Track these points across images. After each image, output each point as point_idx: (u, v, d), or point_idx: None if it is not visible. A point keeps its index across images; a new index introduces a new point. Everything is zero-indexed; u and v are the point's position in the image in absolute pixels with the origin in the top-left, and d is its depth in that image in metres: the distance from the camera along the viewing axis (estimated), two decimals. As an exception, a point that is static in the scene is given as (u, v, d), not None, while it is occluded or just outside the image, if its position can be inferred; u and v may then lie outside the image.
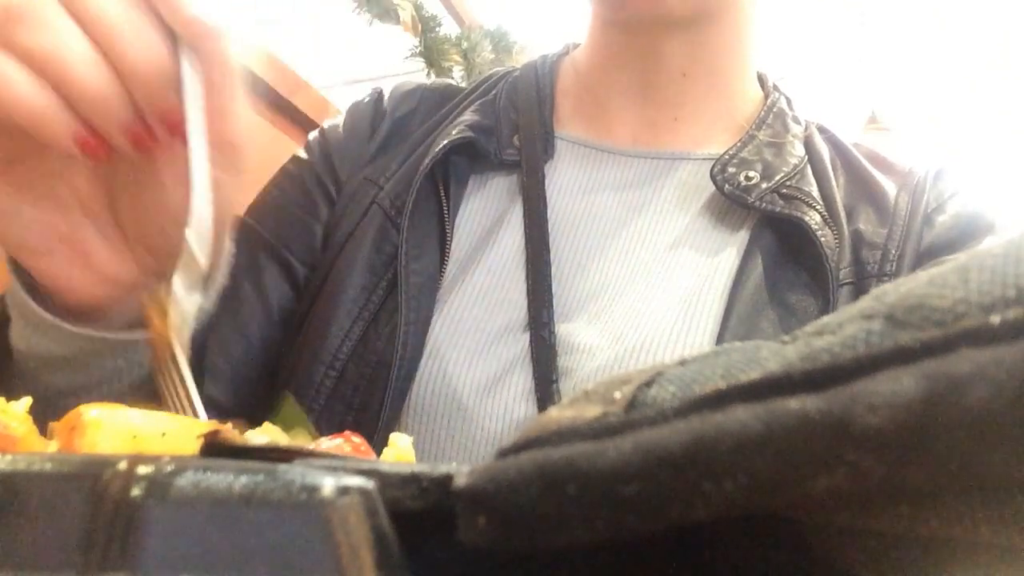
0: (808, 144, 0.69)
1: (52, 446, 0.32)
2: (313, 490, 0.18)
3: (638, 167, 0.70)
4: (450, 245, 0.65)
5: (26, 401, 0.33)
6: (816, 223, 0.61)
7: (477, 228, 0.67)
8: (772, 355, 0.20)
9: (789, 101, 0.74)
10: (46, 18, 0.35)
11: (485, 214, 0.68)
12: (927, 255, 0.63)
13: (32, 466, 0.18)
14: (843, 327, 0.19)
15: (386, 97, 0.76)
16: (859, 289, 0.61)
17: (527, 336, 0.61)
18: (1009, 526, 0.16)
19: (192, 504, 0.17)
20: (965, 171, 0.70)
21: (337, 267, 0.65)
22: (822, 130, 0.72)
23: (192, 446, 0.30)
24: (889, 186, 0.67)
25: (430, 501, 0.20)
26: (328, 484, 0.18)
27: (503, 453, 0.21)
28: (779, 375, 0.18)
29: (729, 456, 0.17)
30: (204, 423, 0.34)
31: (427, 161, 0.65)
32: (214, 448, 0.25)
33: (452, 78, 1.53)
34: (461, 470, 0.20)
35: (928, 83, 2.97)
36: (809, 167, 0.67)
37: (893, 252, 0.62)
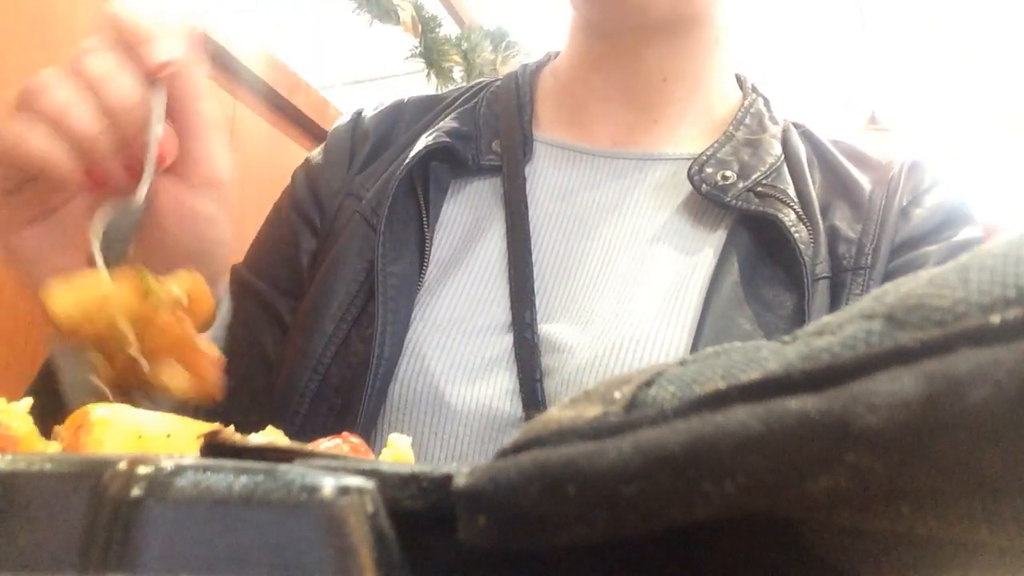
0: (785, 142, 0.70)
1: (53, 446, 0.32)
2: (313, 490, 0.18)
3: (617, 168, 0.71)
4: (429, 248, 0.67)
5: (27, 401, 0.33)
6: (791, 220, 0.63)
7: (458, 231, 0.69)
8: (772, 355, 0.20)
9: (767, 102, 0.75)
10: (56, 84, 0.45)
11: (466, 218, 0.69)
12: (904, 247, 0.64)
13: (32, 466, 0.18)
14: (843, 327, 0.19)
15: (367, 116, 0.78)
16: (835, 283, 0.62)
17: (510, 336, 0.62)
18: (1009, 526, 0.16)
19: (192, 504, 0.17)
20: (940, 164, 0.71)
21: (322, 277, 0.67)
22: (799, 127, 0.74)
23: (196, 447, 0.30)
24: (865, 182, 0.68)
25: (430, 501, 0.20)
26: (328, 484, 0.18)
27: (503, 453, 0.21)
28: (779, 375, 0.18)
29: (729, 456, 0.17)
30: (208, 424, 0.34)
31: (404, 166, 0.67)
32: (214, 448, 0.25)
33: (452, 78, 1.53)
34: (461, 470, 0.20)
35: (928, 83, 2.97)
36: (785, 166, 0.68)
37: (868, 246, 0.64)
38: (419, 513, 0.20)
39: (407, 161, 0.67)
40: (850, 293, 0.63)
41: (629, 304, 0.62)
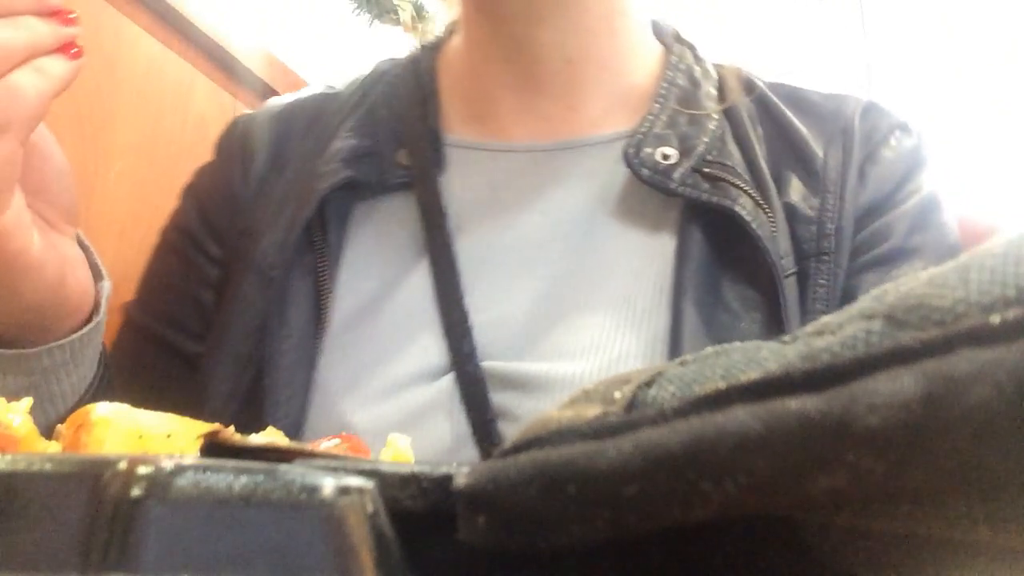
0: (724, 99, 0.63)
1: (53, 446, 0.32)
2: (313, 490, 0.18)
3: (542, 163, 0.63)
4: (333, 295, 0.59)
5: (27, 401, 0.33)
6: (747, 210, 0.55)
7: (370, 268, 0.60)
8: (772, 355, 0.20)
9: (694, 50, 0.67)
10: None
11: (378, 248, 0.61)
12: (866, 216, 0.59)
13: (32, 466, 0.18)
14: (843, 327, 0.19)
15: (255, 124, 0.68)
16: (800, 274, 0.56)
17: (446, 379, 0.55)
18: (1009, 526, 0.16)
19: (192, 504, 0.17)
20: (896, 104, 0.64)
21: (217, 332, 0.60)
22: (739, 74, 0.66)
23: (196, 447, 0.30)
24: (815, 142, 0.61)
25: (430, 501, 0.20)
26: (328, 484, 0.18)
27: (503, 453, 0.21)
28: (779, 375, 0.18)
29: (729, 456, 0.17)
30: (208, 424, 0.34)
31: (298, 221, 0.59)
32: (214, 448, 0.25)
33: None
34: (461, 470, 0.20)
35: (929, 83, 2.97)
36: (728, 130, 0.61)
37: (829, 226, 0.57)
38: (419, 513, 0.20)
39: (304, 212, 0.58)
40: (815, 284, 0.56)
41: (585, 330, 0.55)
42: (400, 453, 0.38)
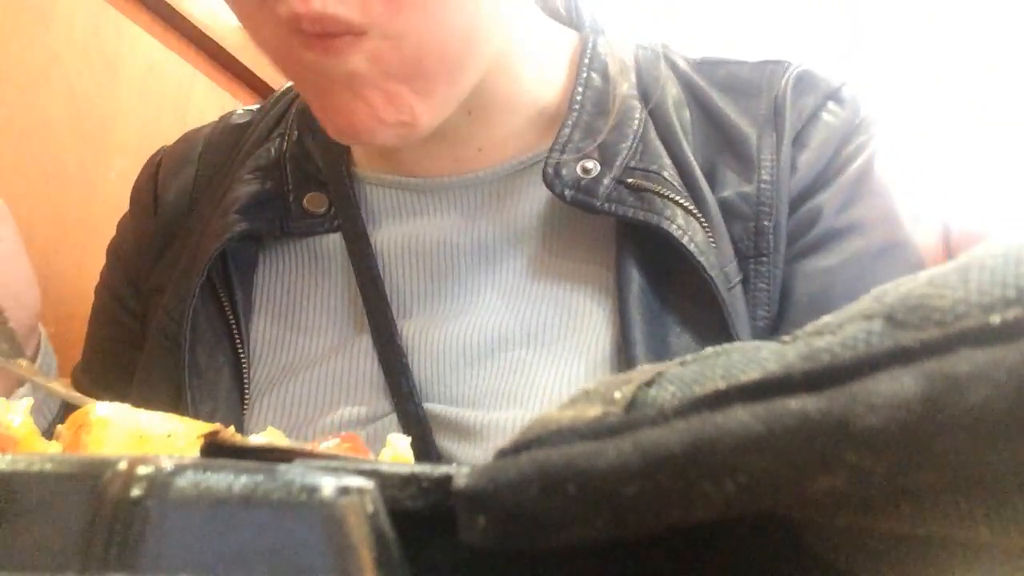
0: (644, 86, 0.58)
1: (53, 446, 0.32)
2: (313, 490, 0.18)
3: (460, 199, 0.59)
4: (252, 353, 0.57)
5: (27, 401, 0.33)
6: (678, 224, 0.52)
7: (287, 320, 0.58)
8: (772, 355, 0.20)
9: (607, 37, 0.60)
10: None
11: (293, 300, 0.58)
12: (797, 201, 0.55)
13: (32, 466, 0.18)
14: (843, 327, 0.19)
15: (164, 166, 0.66)
16: (744, 280, 0.53)
17: (387, 420, 0.53)
18: (1009, 527, 0.16)
19: (192, 504, 0.17)
20: (828, 69, 0.59)
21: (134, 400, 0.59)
22: (662, 54, 0.60)
23: (196, 447, 0.30)
24: (745, 124, 0.57)
25: (430, 501, 0.20)
26: (328, 484, 0.18)
27: (503, 453, 0.21)
28: (779, 375, 0.18)
29: (729, 456, 0.17)
30: (208, 424, 0.34)
31: (193, 287, 0.56)
32: (214, 448, 0.25)
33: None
34: (461, 470, 0.20)
35: (922, 84, 2.98)
36: (652, 126, 0.56)
37: (766, 222, 0.54)
38: (419, 513, 0.20)
39: (197, 280, 0.56)
40: (754, 289, 0.53)
41: (526, 372, 0.52)
42: (400, 453, 0.38)
